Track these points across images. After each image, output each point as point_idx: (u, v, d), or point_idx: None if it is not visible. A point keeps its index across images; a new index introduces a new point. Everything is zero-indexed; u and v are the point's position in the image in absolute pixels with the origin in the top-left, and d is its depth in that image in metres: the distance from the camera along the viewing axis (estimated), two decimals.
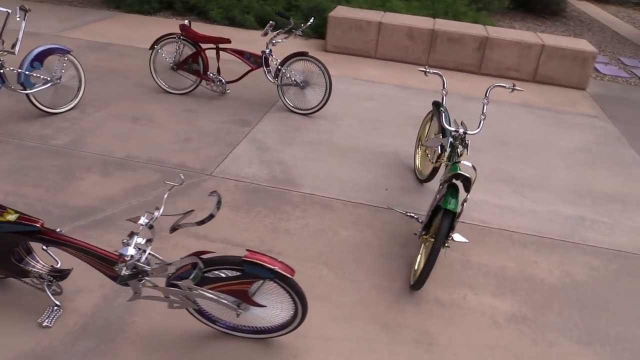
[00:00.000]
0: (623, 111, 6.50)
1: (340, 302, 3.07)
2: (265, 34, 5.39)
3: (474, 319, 3.07)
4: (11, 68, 4.52)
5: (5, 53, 4.44)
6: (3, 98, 5.05)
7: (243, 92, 5.83)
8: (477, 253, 3.63)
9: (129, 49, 6.91)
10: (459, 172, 2.97)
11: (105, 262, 2.51)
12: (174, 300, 2.59)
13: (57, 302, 2.79)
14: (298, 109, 5.51)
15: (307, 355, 2.70)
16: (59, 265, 2.90)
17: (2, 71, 4.45)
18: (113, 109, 5.20)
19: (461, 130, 3.65)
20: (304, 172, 4.41)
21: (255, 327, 2.72)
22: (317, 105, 5.41)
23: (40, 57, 4.74)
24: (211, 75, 5.55)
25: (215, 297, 2.48)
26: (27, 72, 4.62)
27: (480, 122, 3.72)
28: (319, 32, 8.22)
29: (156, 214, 2.44)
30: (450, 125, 3.66)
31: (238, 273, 2.41)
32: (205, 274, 2.45)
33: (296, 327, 2.63)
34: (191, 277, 2.39)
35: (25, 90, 4.65)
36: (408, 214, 3.65)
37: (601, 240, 3.93)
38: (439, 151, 3.88)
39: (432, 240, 3.12)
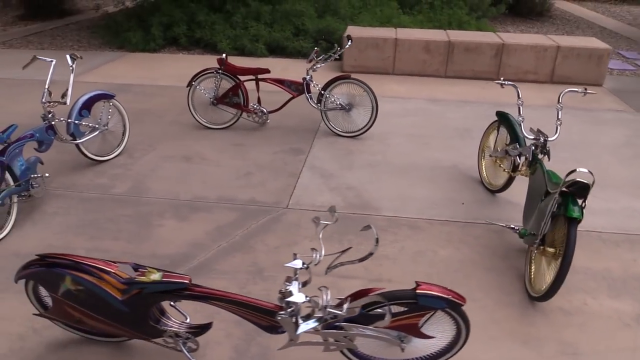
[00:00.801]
0: None
1: (473, 322, 3.02)
2: (310, 61, 5.38)
3: (603, 324, 3.05)
4: (61, 119, 4.38)
5: (56, 104, 4.30)
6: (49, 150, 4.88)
7: (282, 121, 5.77)
8: (576, 257, 3.63)
9: (151, 87, 6.79)
10: (578, 179, 2.96)
11: (262, 313, 2.41)
12: (332, 343, 2.49)
13: (189, 358, 2.67)
14: (344, 132, 5.48)
15: None
16: (187, 320, 2.77)
17: (53, 123, 4.30)
18: (160, 151, 5.08)
19: (542, 139, 3.69)
20: (376, 194, 4.36)
21: (413, 359, 2.65)
22: (364, 127, 5.39)
23: (88, 105, 4.61)
24: (253, 106, 5.49)
25: (381, 335, 2.40)
26: (76, 122, 4.49)
27: (557, 127, 3.78)
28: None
29: (316, 255, 2.35)
30: (528, 134, 3.71)
31: (405, 308, 2.34)
32: (369, 312, 2.38)
33: (455, 353, 2.57)
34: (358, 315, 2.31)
35: (75, 140, 4.50)
36: (509, 226, 3.63)
37: None
38: (519, 160, 3.91)
39: (551, 250, 3.12)
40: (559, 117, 3.83)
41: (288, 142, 5.33)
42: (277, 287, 3.24)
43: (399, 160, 4.99)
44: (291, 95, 5.48)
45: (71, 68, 4.35)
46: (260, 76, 5.42)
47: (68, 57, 4.35)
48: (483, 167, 4.59)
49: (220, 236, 3.77)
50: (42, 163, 4.14)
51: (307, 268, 2.36)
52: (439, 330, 2.48)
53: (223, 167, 4.78)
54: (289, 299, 2.26)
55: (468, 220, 4.03)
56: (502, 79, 4.11)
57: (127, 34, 8.70)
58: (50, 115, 4.27)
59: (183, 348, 2.62)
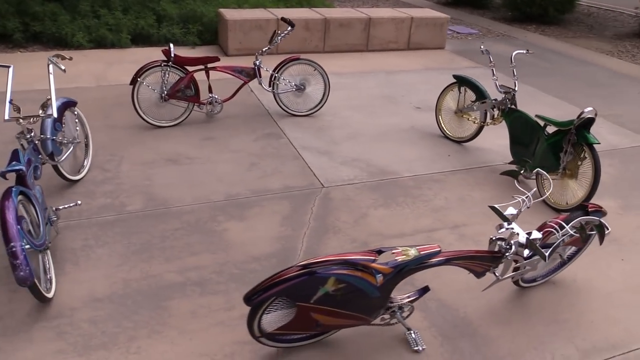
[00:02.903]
0: (486, 59, 8.34)
1: None
2: (270, 42, 5.32)
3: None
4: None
5: (34, 119, 3.47)
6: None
7: (229, 110, 5.58)
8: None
9: (31, 93, 5.67)
10: (588, 116, 3.92)
11: (486, 261, 2.73)
12: (520, 273, 2.96)
13: (408, 326, 2.82)
14: (297, 111, 5.63)
15: None
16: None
17: (37, 142, 3.51)
18: (131, 158, 4.50)
19: (511, 92, 4.62)
20: (381, 161, 4.76)
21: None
22: (318, 104, 5.63)
23: (59, 116, 3.85)
24: (210, 97, 5.21)
25: (559, 255, 2.97)
26: (53, 138, 3.73)
27: (515, 82, 4.72)
28: (203, 39, 7.97)
29: (525, 202, 2.75)
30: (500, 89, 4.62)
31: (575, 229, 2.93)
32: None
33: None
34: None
35: (54, 159, 3.74)
36: (534, 173, 4.41)
37: None
38: (492, 112, 4.80)
39: (569, 172, 4.07)
40: (515, 73, 4.79)
41: (255, 128, 5.25)
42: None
43: (367, 129, 5.42)
44: (242, 82, 5.36)
45: (50, 73, 3.57)
46: (209, 65, 5.15)
47: (52, 58, 3.55)
48: (443, 124, 5.37)
49: (295, 224, 3.74)
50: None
51: (519, 214, 2.76)
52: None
53: (221, 163, 4.54)
54: (516, 240, 2.66)
55: (470, 166, 4.77)
56: (482, 46, 4.92)
57: None
58: (32, 134, 3.47)
59: (400, 318, 2.76)
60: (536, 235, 2.71)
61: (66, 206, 3.30)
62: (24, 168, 2.99)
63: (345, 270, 2.35)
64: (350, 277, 2.36)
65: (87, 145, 4.33)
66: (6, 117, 3.32)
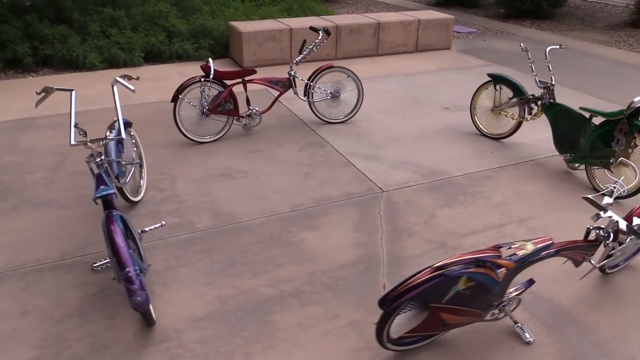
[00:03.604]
0: (493, 56, 8.50)
1: None
2: (300, 52, 5.34)
3: None
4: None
5: (101, 142, 3.44)
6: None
7: (264, 122, 5.58)
8: None
9: (59, 117, 5.59)
10: (637, 105, 4.04)
11: (586, 249, 2.80)
12: (615, 258, 3.04)
13: (516, 319, 2.87)
14: (333, 118, 5.66)
15: None
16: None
17: (106, 165, 3.46)
18: (183, 176, 4.47)
19: (550, 86, 4.73)
20: (429, 162, 4.82)
21: None
22: (353, 110, 5.67)
23: (120, 138, 3.81)
24: (250, 110, 5.21)
25: None
26: (118, 160, 3.68)
27: (551, 77, 4.83)
28: (215, 52, 7.95)
29: (618, 189, 2.83)
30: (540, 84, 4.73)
31: None
32: None
33: None
34: None
35: (120, 182, 3.70)
36: (565, 158, 4.54)
37: None
38: (533, 106, 4.91)
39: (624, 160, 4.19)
40: (550, 69, 4.90)
41: (295, 138, 5.27)
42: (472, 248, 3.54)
43: (404, 132, 5.48)
44: (279, 92, 5.38)
45: (115, 94, 3.53)
46: (246, 78, 5.16)
47: (119, 79, 3.50)
48: (478, 122, 5.47)
49: (369, 230, 3.76)
50: None
51: (613, 201, 2.84)
52: None
53: (275, 174, 4.53)
54: (615, 227, 2.74)
55: (515, 161, 4.87)
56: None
57: None
58: (103, 157, 3.42)
59: (508, 312, 2.80)
60: (637, 221, 2.80)
61: (152, 228, 3.26)
62: (116, 192, 2.96)
63: (473, 268, 2.39)
64: (479, 274, 2.40)
65: (141, 166, 4.29)
66: (72, 142, 3.27)
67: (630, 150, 4.19)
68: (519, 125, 5.13)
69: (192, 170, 4.59)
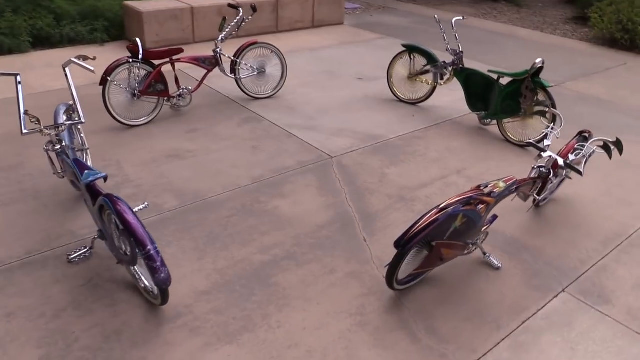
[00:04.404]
0: (385, 30, 9.05)
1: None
2: (221, 30, 5.29)
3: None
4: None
5: (64, 127, 3.28)
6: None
7: (193, 101, 5.48)
8: None
9: None
10: (540, 65, 4.71)
11: (533, 185, 3.33)
12: (551, 191, 3.63)
13: (485, 250, 3.33)
14: (261, 93, 5.74)
15: None
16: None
17: (67, 152, 3.29)
18: (128, 159, 4.32)
19: (459, 53, 5.32)
20: (363, 127, 5.15)
21: None
22: (278, 84, 5.80)
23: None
24: (181, 90, 5.09)
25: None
26: (73, 147, 3.50)
27: (459, 45, 5.42)
28: (110, 35, 7.48)
29: (554, 134, 3.39)
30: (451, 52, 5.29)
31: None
32: None
33: None
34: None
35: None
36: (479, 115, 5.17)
37: None
38: (444, 74, 5.47)
39: (532, 109, 4.86)
40: (458, 38, 5.48)
41: (230, 115, 5.28)
42: (427, 199, 3.96)
43: (330, 103, 5.75)
44: (206, 70, 5.33)
45: (69, 76, 3.32)
46: (174, 57, 5.04)
47: (74, 60, 3.28)
48: (395, 89, 5.92)
49: (333, 192, 4.01)
50: None
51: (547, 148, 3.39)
52: None
53: (223, 151, 4.56)
54: (557, 164, 3.30)
55: (437, 122, 5.40)
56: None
57: None
58: (64, 143, 3.25)
59: (480, 244, 3.25)
60: (572, 157, 3.38)
61: (137, 209, 3.17)
62: (106, 175, 2.85)
63: (468, 206, 2.76)
64: (470, 211, 2.78)
65: (87, 153, 4.06)
66: (25, 130, 3.08)
67: (533, 104, 4.91)
68: (433, 90, 5.67)
69: (135, 154, 4.44)
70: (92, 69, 3.27)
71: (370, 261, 3.30)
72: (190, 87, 5.20)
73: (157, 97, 4.99)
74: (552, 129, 3.50)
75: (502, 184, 2.97)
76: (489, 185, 2.95)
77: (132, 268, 2.96)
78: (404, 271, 2.85)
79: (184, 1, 7.63)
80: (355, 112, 5.54)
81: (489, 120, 5.28)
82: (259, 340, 2.69)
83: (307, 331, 2.76)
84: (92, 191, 2.88)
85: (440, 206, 2.70)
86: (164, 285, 2.55)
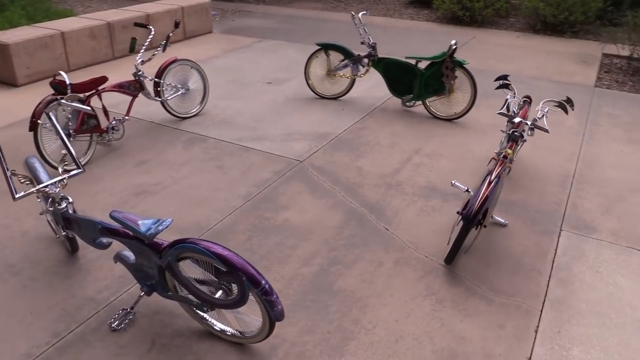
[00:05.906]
0: (257, 32, 9.07)
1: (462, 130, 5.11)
2: (132, 51, 4.89)
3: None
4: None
5: (65, 182, 2.87)
6: None
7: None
8: None
9: None
10: (453, 47, 5.28)
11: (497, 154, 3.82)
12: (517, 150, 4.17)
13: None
14: (187, 112, 5.46)
15: None
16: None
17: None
18: (93, 206, 3.86)
19: (374, 43, 5.72)
20: (308, 129, 5.24)
21: None
22: (203, 99, 5.58)
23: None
24: (114, 121, 4.62)
25: None
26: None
27: (369, 38, 5.81)
28: None
29: (516, 100, 3.89)
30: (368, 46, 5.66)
31: None
32: None
33: None
34: None
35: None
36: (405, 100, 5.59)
37: None
38: (364, 66, 5.83)
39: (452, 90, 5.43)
40: (367, 30, 5.84)
41: (169, 140, 4.95)
42: (408, 181, 4.25)
43: (258, 111, 5.70)
44: (132, 97, 4.91)
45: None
46: (100, 87, 4.56)
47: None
48: (315, 87, 6.09)
49: (327, 194, 4.08)
50: None
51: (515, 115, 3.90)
52: None
53: (191, 178, 4.30)
54: (528, 125, 3.84)
55: (367, 111, 5.71)
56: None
57: None
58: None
59: None
60: (537, 115, 3.94)
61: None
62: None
63: (500, 174, 3.11)
64: (501, 179, 3.14)
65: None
66: (17, 195, 2.69)
67: (453, 82, 5.50)
68: (353, 82, 5.98)
69: (97, 200, 3.96)
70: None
71: (405, 246, 3.48)
72: (120, 118, 4.75)
73: (89, 135, 4.48)
74: (514, 96, 4.03)
75: (509, 150, 3.39)
76: (501, 155, 3.34)
77: (201, 314, 2.74)
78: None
79: (52, 27, 6.80)
80: (289, 115, 5.60)
81: (413, 102, 5.76)
82: (365, 345, 2.72)
83: (401, 322, 2.86)
84: (152, 244, 2.58)
85: (489, 179, 3.00)
86: (282, 318, 2.44)
